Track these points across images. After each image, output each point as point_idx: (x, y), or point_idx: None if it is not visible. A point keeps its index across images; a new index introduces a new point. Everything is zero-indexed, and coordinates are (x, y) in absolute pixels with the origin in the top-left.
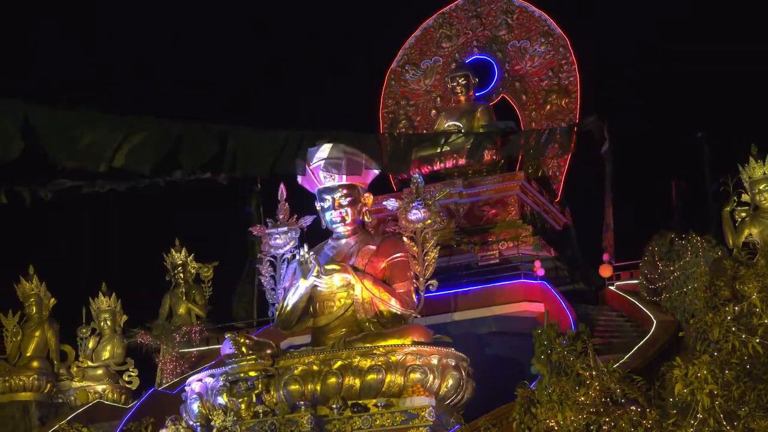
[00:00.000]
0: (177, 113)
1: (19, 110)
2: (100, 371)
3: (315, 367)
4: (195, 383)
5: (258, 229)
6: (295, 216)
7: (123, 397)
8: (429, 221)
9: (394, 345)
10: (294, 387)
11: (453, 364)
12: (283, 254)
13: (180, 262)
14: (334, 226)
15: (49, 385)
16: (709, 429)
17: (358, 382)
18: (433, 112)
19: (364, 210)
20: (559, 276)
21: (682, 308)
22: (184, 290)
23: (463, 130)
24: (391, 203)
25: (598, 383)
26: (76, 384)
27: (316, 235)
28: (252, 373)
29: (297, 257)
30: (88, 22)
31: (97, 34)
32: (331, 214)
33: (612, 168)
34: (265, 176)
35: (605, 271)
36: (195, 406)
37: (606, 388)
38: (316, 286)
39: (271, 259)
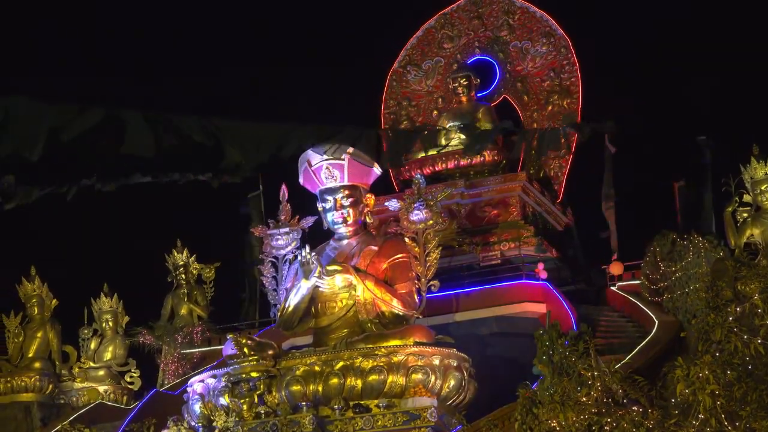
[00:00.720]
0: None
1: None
2: (101, 372)
3: (317, 368)
4: (197, 384)
5: (259, 230)
6: (297, 217)
7: (125, 397)
8: (431, 222)
9: (396, 346)
10: (296, 388)
11: (455, 364)
12: (285, 255)
13: (182, 262)
14: (335, 226)
15: (51, 386)
16: (711, 429)
17: (359, 382)
18: (435, 112)
19: (365, 211)
20: (561, 276)
21: (684, 309)
22: (185, 291)
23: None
24: (392, 204)
25: (599, 384)
26: (78, 385)
27: (317, 236)
28: (254, 374)
29: (299, 258)
30: (88, 22)
31: (97, 34)
32: (333, 214)
33: (612, 170)
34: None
35: (616, 269)
36: (197, 407)
37: (608, 388)
38: (317, 286)
39: (273, 260)
